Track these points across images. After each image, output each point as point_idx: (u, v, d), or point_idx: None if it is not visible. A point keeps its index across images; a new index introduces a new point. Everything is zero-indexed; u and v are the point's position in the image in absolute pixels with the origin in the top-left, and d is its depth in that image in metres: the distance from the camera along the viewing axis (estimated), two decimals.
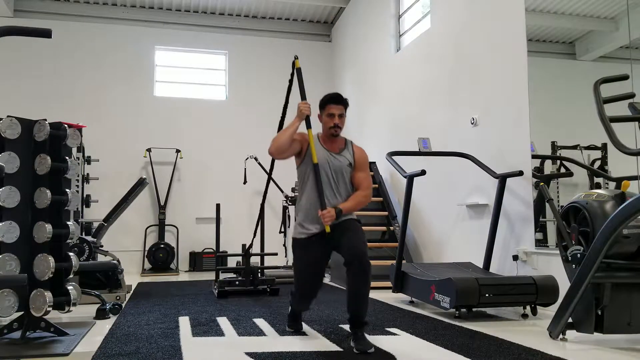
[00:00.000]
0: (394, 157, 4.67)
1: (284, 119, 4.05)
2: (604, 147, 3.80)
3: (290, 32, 9.29)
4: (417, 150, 4.92)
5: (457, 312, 3.66)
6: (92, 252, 5.19)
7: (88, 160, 7.33)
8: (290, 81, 3.71)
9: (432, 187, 5.80)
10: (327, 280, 6.46)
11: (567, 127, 4.17)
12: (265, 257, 5.76)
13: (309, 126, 3.09)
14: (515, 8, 4.44)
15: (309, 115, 3.08)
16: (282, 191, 7.50)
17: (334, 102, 3.09)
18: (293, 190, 7.38)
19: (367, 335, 2.84)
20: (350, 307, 2.83)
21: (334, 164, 3.05)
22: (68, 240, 3.19)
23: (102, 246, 5.66)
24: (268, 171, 4.79)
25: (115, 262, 4.87)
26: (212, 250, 8.22)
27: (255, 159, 8.18)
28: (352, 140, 3.24)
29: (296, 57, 3.40)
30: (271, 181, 5.26)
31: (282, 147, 3.01)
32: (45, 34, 2.97)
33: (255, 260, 5.76)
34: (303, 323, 3.42)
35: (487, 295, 3.52)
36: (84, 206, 6.96)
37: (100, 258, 5.91)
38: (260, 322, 3.59)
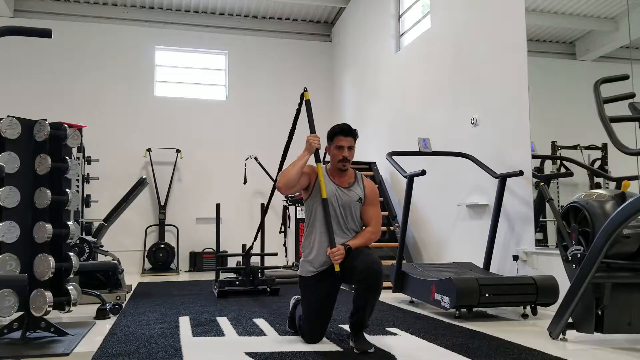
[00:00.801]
0: (394, 157, 4.67)
1: (289, 148, 3.99)
2: (604, 147, 3.80)
3: (290, 32, 9.30)
4: (417, 150, 4.92)
5: (457, 312, 3.66)
6: (92, 252, 5.19)
7: (88, 160, 7.33)
8: (298, 110, 3.60)
9: (432, 187, 5.80)
10: None
11: (567, 127, 4.17)
12: (266, 257, 5.76)
13: (318, 160, 3.00)
14: (515, 8, 4.44)
15: (318, 149, 2.98)
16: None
17: (343, 134, 2.97)
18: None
19: (366, 336, 2.84)
20: (358, 315, 2.77)
21: (343, 199, 2.97)
22: (68, 240, 3.19)
23: (102, 246, 5.66)
24: (268, 171, 4.79)
25: (115, 262, 4.87)
26: (212, 250, 8.22)
27: (255, 159, 8.18)
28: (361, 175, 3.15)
29: (305, 90, 3.30)
30: (272, 181, 5.26)
31: (291, 182, 2.89)
32: (45, 34, 2.97)
33: (255, 260, 5.76)
34: None
35: (487, 295, 3.52)
36: (84, 206, 6.96)
37: (101, 258, 5.91)
38: (260, 322, 3.59)
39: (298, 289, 3.09)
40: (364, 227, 3.07)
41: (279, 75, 9.07)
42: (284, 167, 3.07)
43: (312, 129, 3.09)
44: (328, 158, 3.12)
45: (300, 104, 3.48)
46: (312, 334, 2.94)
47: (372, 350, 2.71)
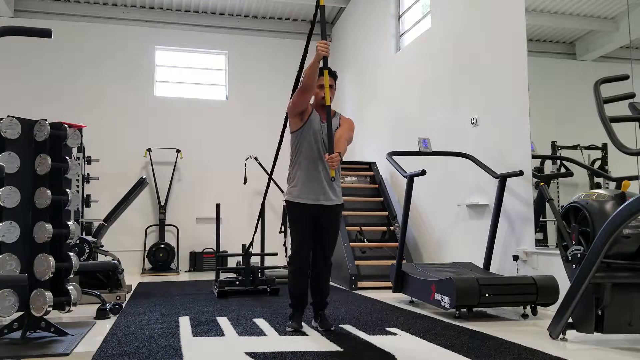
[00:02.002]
0: (394, 157, 4.67)
1: (304, 62, 4.02)
2: (604, 147, 3.80)
3: (290, 32, 9.30)
4: (417, 150, 4.92)
5: (457, 312, 3.66)
6: (93, 252, 5.19)
7: (88, 160, 7.33)
8: (312, 22, 3.68)
9: (432, 187, 5.80)
10: None
11: (567, 127, 4.17)
12: (266, 257, 5.77)
13: (325, 67, 3.15)
14: (515, 8, 4.44)
15: (326, 56, 3.12)
16: (282, 191, 7.49)
17: (327, 69, 3.21)
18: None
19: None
20: (317, 294, 3.37)
21: (325, 131, 3.30)
22: (68, 240, 3.19)
23: (102, 246, 5.66)
24: (268, 171, 4.79)
25: (115, 262, 4.87)
26: (212, 250, 8.22)
27: (256, 159, 8.18)
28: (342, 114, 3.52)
29: None
30: (271, 181, 5.27)
31: (310, 83, 3.13)
32: (45, 34, 2.97)
33: (255, 260, 5.76)
34: (303, 323, 3.43)
35: (487, 295, 3.52)
36: (84, 206, 6.97)
37: (101, 258, 5.92)
38: (260, 322, 3.59)
39: (287, 212, 3.43)
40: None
41: (279, 75, 9.06)
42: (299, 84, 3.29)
43: (324, 35, 3.20)
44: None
45: (315, 14, 3.51)
46: (302, 249, 3.33)
47: (334, 328, 3.25)
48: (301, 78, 3.24)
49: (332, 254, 3.38)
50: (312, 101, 3.40)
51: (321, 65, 3.13)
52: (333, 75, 3.36)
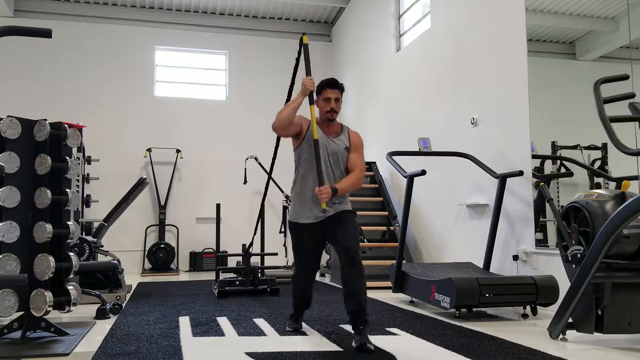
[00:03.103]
0: (394, 157, 4.67)
1: (291, 96, 4.11)
2: (604, 147, 3.80)
3: (290, 32, 9.30)
4: (417, 150, 4.92)
5: (457, 312, 3.66)
6: (93, 252, 5.19)
7: (88, 160, 7.33)
8: (297, 59, 3.73)
9: (432, 187, 5.80)
10: (327, 280, 6.46)
11: (567, 127, 4.17)
12: (266, 257, 5.76)
13: (312, 102, 3.16)
14: (515, 8, 4.44)
15: (312, 91, 3.11)
16: (282, 191, 7.50)
17: (331, 86, 3.13)
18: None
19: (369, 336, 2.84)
20: (350, 301, 2.88)
21: (331, 147, 3.10)
22: (68, 240, 3.19)
23: (102, 246, 5.66)
24: (268, 171, 4.80)
25: (115, 262, 4.87)
26: (212, 250, 8.22)
27: (256, 159, 8.18)
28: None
29: (304, 34, 3.39)
30: (271, 181, 5.26)
31: (285, 122, 3.01)
32: (45, 34, 2.97)
33: (255, 260, 5.76)
34: (303, 323, 3.43)
35: (487, 295, 3.52)
36: (84, 206, 6.97)
37: (101, 258, 5.91)
38: (260, 322, 3.59)
39: (290, 232, 3.28)
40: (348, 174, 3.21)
41: (279, 75, 9.06)
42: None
43: (308, 72, 3.19)
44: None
45: (299, 51, 3.56)
46: (303, 279, 3.25)
47: (372, 348, 2.72)
48: (280, 111, 3.02)
49: (359, 254, 2.93)
50: (317, 116, 3.17)
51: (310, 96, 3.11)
52: (339, 88, 3.14)
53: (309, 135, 3.10)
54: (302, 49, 3.36)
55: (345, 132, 3.20)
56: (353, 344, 2.79)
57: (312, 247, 3.20)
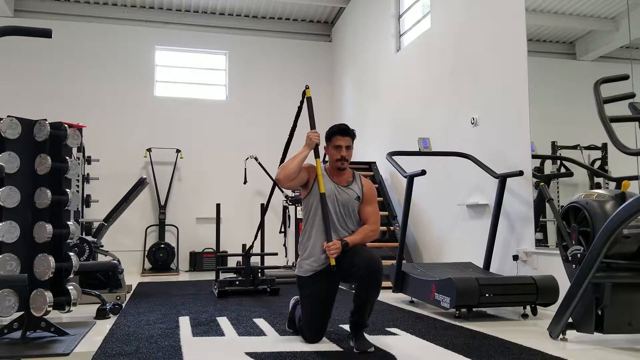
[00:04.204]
0: (394, 157, 4.67)
1: (290, 145, 4.07)
2: (604, 147, 3.80)
3: (290, 32, 9.30)
4: (417, 150, 4.92)
5: (457, 312, 3.66)
6: (93, 252, 5.18)
7: (88, 160, 7.33)
8: (300, 108, 3.69)
9: (432, 187, 5.80)
10: None
11: (567, 127, 4.17)
12: (266, 257, 5.76)
13: (317, 155, 3.05)
14: (515, 8, 4.44)
15: (318, 144, 3.03)
16: (282, 191, 7.49)
17: (341, 133, 3.02)
18: (293, 190, 7.38)
19: (366, 335, 2.84)
20: (358, 314, 2.79)
21: (342, 197, 2.99)
22: (68, 240, 3.19)
23: (102, 246, 5.66)
24: (268, 171, 4.80)
25: (115, 262, 4.87)
26: (212, 250, 8.22)
27: (256, 159, 8.18)
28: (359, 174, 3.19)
29: (307, 87, 3.37)
30: (272, 181, 5.26)
31: (291, 175, 2.92)
32: (46, 34, 2.97)
33: (255, 260, 5.76)
34: None
35: (487, 295, 3.52)
36: (84, 206, 6.96)
37: (101, 258, 5.91)
38: (260, 322, 3.59)
39: (298, 289, 3.10)
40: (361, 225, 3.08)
41: (279, 75, 9.07)
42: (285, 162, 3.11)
43: (313, 125, 3.13)
44: (327, 158, 3.16)
45: (302, 101, 3.54)
46: (312, 333, 2.95)
47: (372, 349, 2.71)
48: (285, 165, 2.95)
49: (379, 260, 2.78)
50: (327, 166, 3.11)
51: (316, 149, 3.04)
52: (350, 135, 3.02)
53: (316, 187, 2.98)
54: (306, 101, 3.31)
55: (357, 180, 3.09)
56: (354, 347, 2.76)
57: (323, 298, 2.95)
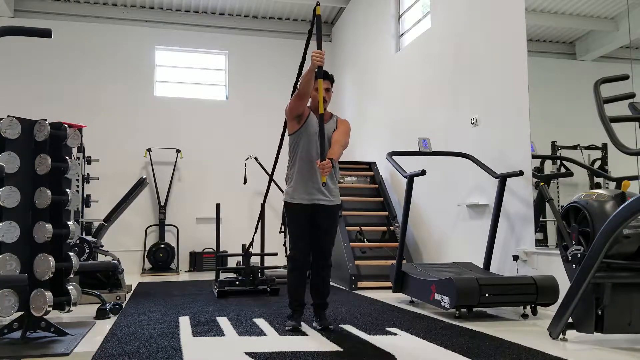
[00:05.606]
0: (394, 157, 4.67)
1: (301, 75, 4.14)
2: (604, 147, 3.80)
3: (290, 32, 9.30)
4: (417, 150, 4.91)
5: (457, 312, 3.66)
6: (92, 252, 5.19)
7: (88, 160, 7.33)
8: (310, 31, 3.77)
9: (432, 187, 5.80)
10: None
11: (567, 127, 4.17)
12: (266, 257, 5.76)
13: (319, 75, 3.21)
14: (515, 8, 4.45)
15: (321, 66, 3.19)
16: (282, 191, 7.49)
17: (322, 78, 3.32)
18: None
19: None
20: (317, 296, 3.41)
21: (325, 129, 3.37)
22: (68, 240, 3.19)
23: (102, 246, 5.66)
24: (268, 171, 4.80)
25: (115, 262, 4.87)
26: (212, 250, 8.22)
27: (256, 159, 8.18)
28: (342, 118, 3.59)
29: (318, 4, 3.36)
30: (271, 182, 5.27)
31: (306, 91, 3.22)
32: (45, 34, 2.97)
33: (255, 260, 5.76)
34: (303, 323, 3.43)
35: (487, 295, 3.52)
36: (84, 206, 6.96)
37: (101, 258, 5.92)
38: (260, 322, 3.59)
39: (285, 212, 3.49)
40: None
41: (279, 75, 9.07)
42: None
43: (320, 45, 3.26)
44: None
45: (312, 23, 3.58)
46: (303, 245, 3.39)
47: (332, 327, 3.32)
48: (298, 84, 3.26)
49: (331, 254, 3.43)
50: (309, 104, 3.47)
51: (317, 71, 3.23)
52: (329, 79, 3.43)
53: (307, 124, 3.39)
54: (315, 20, 3.35)
55: (333, 119, 3.52)
56: (316, 326, 3.34)
57: (307, 227, 3.39)
